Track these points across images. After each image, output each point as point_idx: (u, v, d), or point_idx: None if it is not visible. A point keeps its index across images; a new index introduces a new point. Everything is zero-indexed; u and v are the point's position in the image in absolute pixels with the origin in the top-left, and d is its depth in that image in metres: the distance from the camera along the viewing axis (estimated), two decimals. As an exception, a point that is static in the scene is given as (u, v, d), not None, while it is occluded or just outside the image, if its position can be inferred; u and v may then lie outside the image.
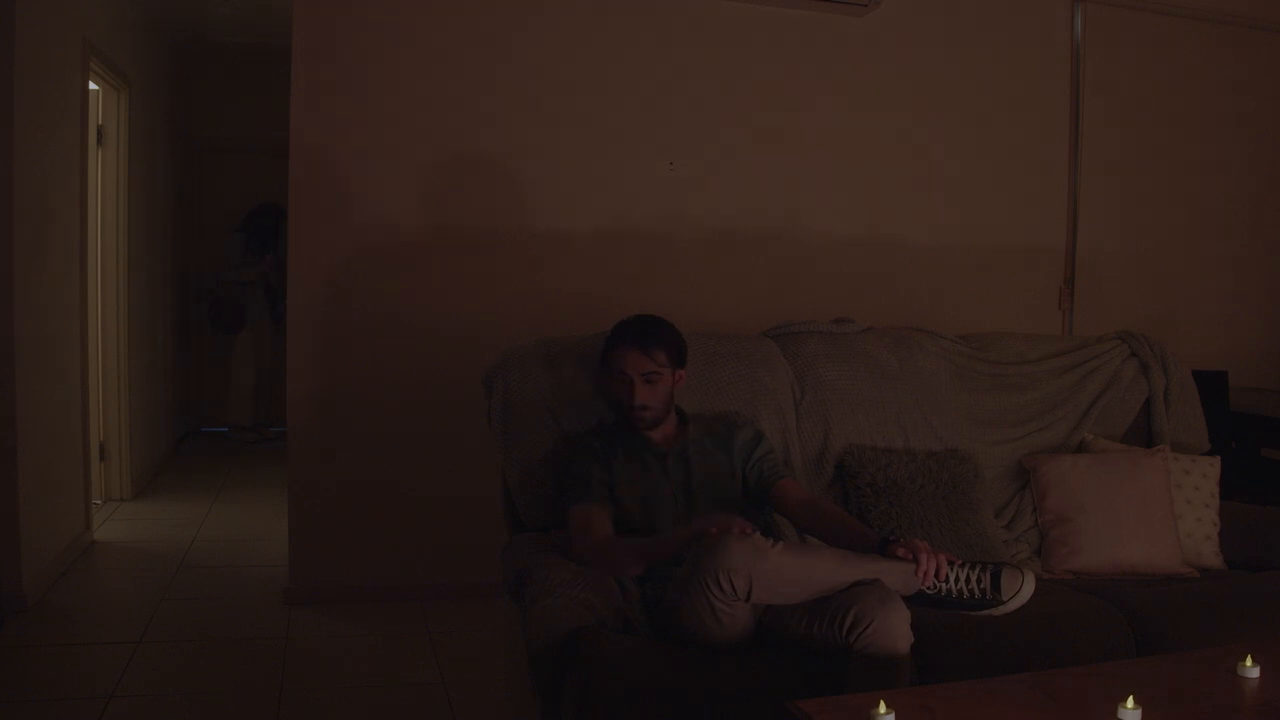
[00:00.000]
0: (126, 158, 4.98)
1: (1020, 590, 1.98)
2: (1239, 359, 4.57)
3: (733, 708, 1.92)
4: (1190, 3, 4.49)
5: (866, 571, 2.00)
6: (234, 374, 6.87)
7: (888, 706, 1.49)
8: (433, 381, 3.70)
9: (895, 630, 1.87)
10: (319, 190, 3.62)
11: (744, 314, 3.78)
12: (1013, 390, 3.04)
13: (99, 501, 4.79)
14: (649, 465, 2.43)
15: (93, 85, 4.50)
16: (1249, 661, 1.71)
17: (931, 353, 3.00)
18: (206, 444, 6.76)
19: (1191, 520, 2.82)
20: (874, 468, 2.72)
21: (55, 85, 3.88)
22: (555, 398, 2.58)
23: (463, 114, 3.74)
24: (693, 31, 3.94)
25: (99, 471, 4.79)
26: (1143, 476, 2.80)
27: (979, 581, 2.00)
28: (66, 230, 4.03)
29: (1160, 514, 2.76)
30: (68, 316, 4.05)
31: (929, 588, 2.01)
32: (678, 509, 2.39)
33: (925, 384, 2.94)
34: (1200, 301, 4.67)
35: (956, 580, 2.02)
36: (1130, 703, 1.53)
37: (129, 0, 5.06)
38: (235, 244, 6.79)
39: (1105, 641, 2.27)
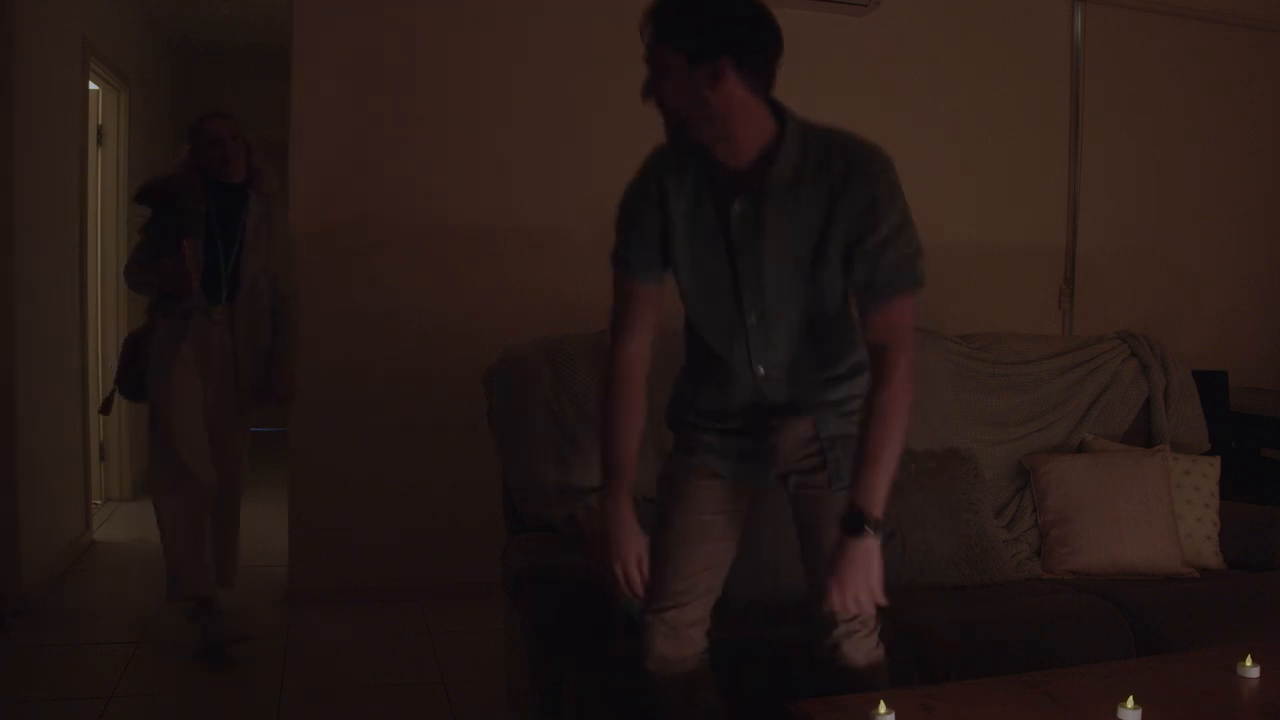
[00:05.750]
0: (126, 158, 4.97)
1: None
2: (1239, 359, 4.57)
3: (733, 707, 1.92)
4: (1190, 3, 4.49)
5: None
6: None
7: (888, 707, 1.49)
8: (433, 381, 3.70)
9: (859, 654, 1.81)
10: (319, 189, 3.62)
11: (744, 314, 3.78)
12: (1013, 390, 3.04)
13: (99, 501, 4.79)
14: (706, 216, 1.74)
15: (93, 85, 4.50)
16: (1249, 661, 1.72)
17: (931, 353, 3.00)
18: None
19: (1191, 520, 2.82)
20: (874, 468, 2.71)
21: (55, 85, 3.88)
22: (555, 397, 2.58)
23: (463, 112, 3.74)
24: (693, 31, 3.93)
25: (99, 471, 4.79)
26: (1143, 476, 2.80)
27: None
28: (66, 230, 4.03)
29: (1160, 514, 2.76)
30: (68, 316, 4.05)
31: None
32: (740, 305, 1.76)
33: (925, 384, 2.93)
34: (1200, 301, 4.66)
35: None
36: (1130, 703, 1.53)
37: (129, 0, 5.05)
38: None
39: (1105, 641, 2.27)
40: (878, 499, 1.65)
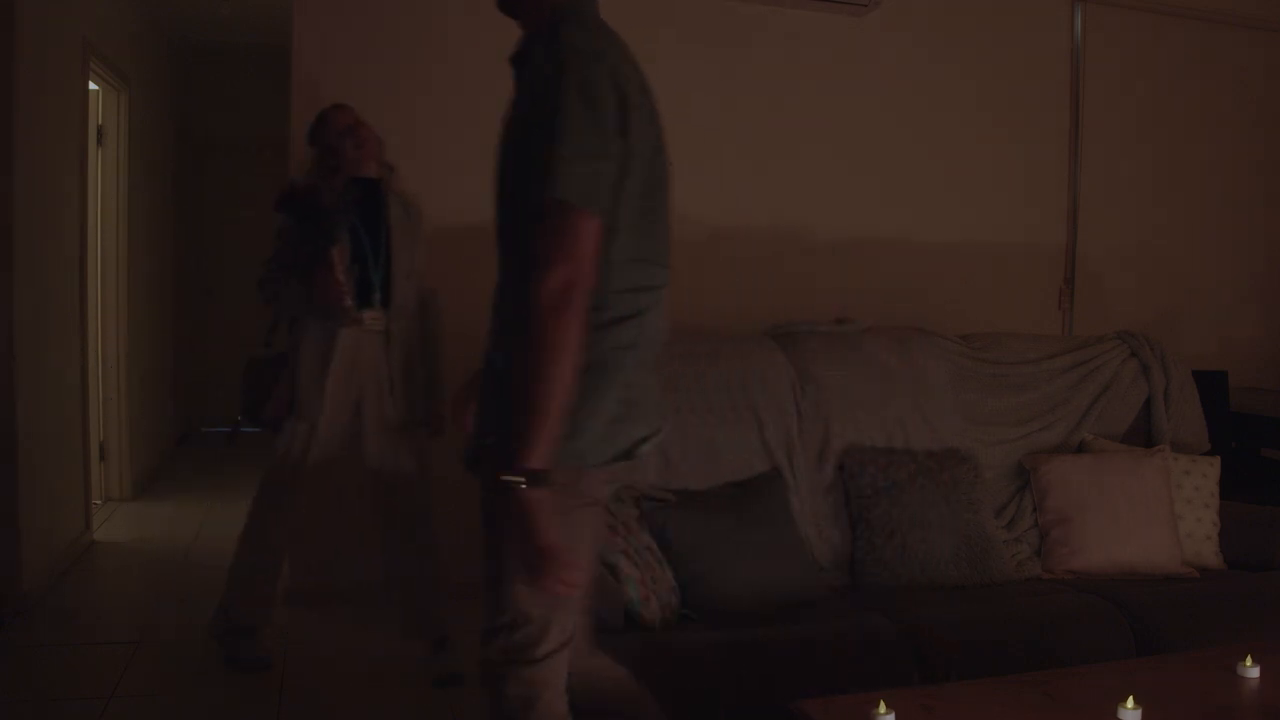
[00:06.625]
0: (126, 158, 4.97)
1: None
2: (1239, 359, 4.57)
3: (735, 707, 1.92)
4: (1190, 3, 4.50)
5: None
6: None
7: (888, 707, 1.49)
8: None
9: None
10: (319, 190, 3.62)
11: (744, 314, 3.78)
12: (1013, 390, 3.04)
13: (99, 501, 4.79)
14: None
15: (93, 85, 4.50)
16: (1249, 661, 1.72)
17: (931, 353, 3.01)
18: (207, 444, 6.75)
19: (1191, 520, 2.82)
20: (874, 468, 2.72)
21: (55, 85, 3.88)
22: (555, 398, 2.57)
23: (461, 112, 3.73)
24: (692, 31, 3.94)
25: (99, 471, 4.79)
26: (1143, 476, 2.80)
27: None
28: (67, 230, 4.03)
29: (1160, 514, 2.76)
30: (68, 316, 4.05)
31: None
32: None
33: (925, 384, 2.94)
34: (1200, 301, 4.67)
35: None
36: (1130, 703, 1.53)
37: (129, 0, 5.06)
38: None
39: (1105, 641, 2.27)
40: (527, 446, 1.47)
